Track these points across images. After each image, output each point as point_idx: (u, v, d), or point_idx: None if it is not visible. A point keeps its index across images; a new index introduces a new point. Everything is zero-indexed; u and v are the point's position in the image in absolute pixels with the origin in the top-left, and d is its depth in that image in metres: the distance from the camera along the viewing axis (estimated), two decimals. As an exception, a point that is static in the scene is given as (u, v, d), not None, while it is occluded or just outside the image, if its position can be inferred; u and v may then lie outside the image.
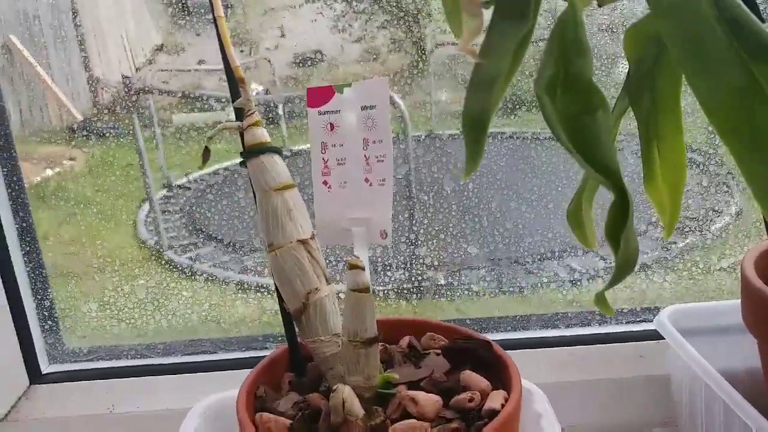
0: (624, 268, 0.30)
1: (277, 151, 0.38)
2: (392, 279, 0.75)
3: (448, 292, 0.73)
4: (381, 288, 0.73)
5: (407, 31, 1.10)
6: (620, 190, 0.29)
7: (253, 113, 0.38)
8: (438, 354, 0.40)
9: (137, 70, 1.31)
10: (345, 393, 0.34)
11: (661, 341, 0.47)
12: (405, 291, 0.74)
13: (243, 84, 0.38)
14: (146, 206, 1.17)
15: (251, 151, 0.37)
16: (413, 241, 0.78)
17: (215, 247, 1.13)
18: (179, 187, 1.25)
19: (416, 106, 1.06)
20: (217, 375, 0.50)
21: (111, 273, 0.84)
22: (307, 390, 0.38)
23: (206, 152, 0.37)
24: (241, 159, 0.38)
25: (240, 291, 0.85)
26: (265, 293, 0.74)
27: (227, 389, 0.41)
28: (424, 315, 0.67)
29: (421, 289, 0.74)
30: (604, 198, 0.32)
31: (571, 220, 0.38)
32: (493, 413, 0.34)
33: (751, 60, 0.26)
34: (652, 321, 0.49)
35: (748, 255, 0.45)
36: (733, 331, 0.47)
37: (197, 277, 0.96)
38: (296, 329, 0.38)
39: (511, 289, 0.72)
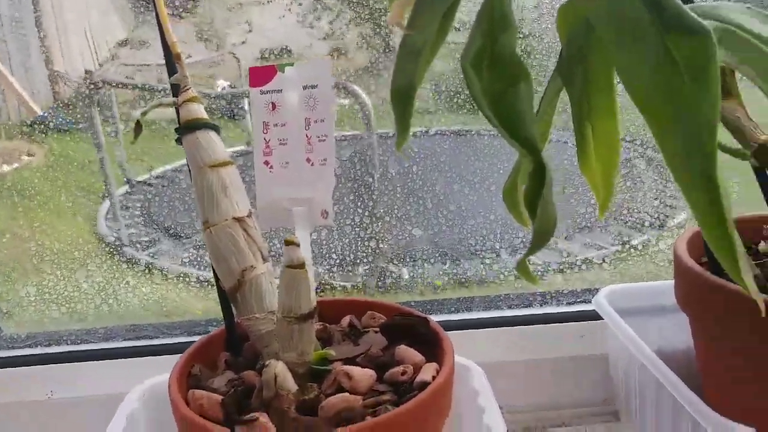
0: (541, 236, 0.30)
1: (214, 127, 0.38)
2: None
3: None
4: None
5: (374, 27, 1.10)
6: (537, 160, 0.29)
7: (188, 89, 0.37)
8: (377, 332, 0.40)
9: (100, 65, 1.29)
10: (277, 368, 0.34)
11: (600, 321, 0.48)
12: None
13: (179, 60, 0.37)
14: (107, 203, 1.15)
15: (186, 127, 0.37)
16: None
17: (174, 243, 1.12)
18: (141, 183, 1.23)
19: (382, 103, 1.07)
20: (158, 360, 0.50)
21: (64, 268, 0.82)
22: (243, 369, 0.38)
23: (138, 127, 0.36)
24: (177, 135, 0.37)
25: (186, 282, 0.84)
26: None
27: (167, 373, 0.41)
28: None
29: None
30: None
31: (507, 200, 0.38)
32: (424, 385, 0.34)
33: (665, 32, 0.26)
34: (590, 302, 0.50)
35: (681, 236, 0.47)
36: (669, 311, 0.48)
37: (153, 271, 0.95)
38: (233, 308, 0.38)
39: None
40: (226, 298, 0.38)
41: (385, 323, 0.39)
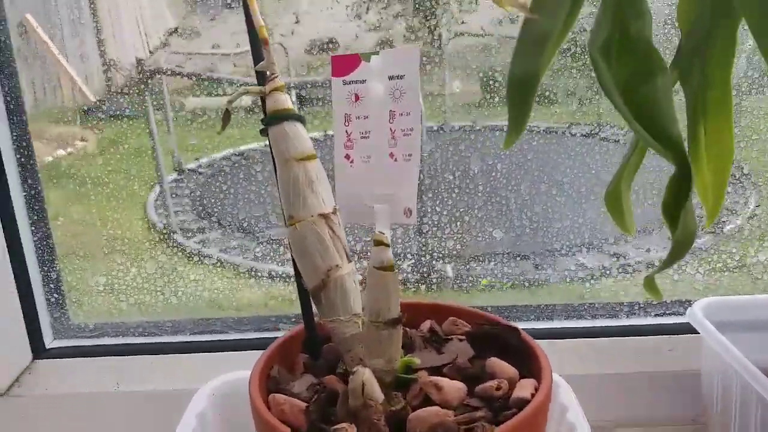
0: (682, 246, 0.27)
1: (301, 119, 0.36)
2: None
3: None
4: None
5: (422, 20, 1.07)
6: (682, 161, 0.26)
7: (276, 77, 0.35)
8: (461, 340, 0.37)
9: (151, 53, 1.29)
10: (365, 376, 0.32)
11: (690, 335, 0.44)
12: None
13: (266, 46, 0.35)
14: (157, 189, 1.15)
15: (274, 118, 0.35)
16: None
17: (223, 233, 1.11)
18: (191, 171, 1.23)
19: (430, 97, 1.04)
20: (227, 355, 0.48)
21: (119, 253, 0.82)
22: (322, 372, 0.36)
23: (226, 115, 0.34)
24: (262, 126, 0.35)
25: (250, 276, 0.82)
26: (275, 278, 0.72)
27: (236, 370, 0.39)
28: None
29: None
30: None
31: (609, 203, 0.35)
32: (522, 403, 0.32)
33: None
34: (681, 314, 0.46)
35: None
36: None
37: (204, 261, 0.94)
38: (314, 308, 0.36)
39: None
40: (306, 298, 0.36)
41: (472, 332, 0.37)
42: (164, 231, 1.07)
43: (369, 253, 0.34)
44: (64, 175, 1.00)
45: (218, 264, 0.97)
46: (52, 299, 0.56)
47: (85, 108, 1.13)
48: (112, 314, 0.58)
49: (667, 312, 0.51)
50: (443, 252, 0.72)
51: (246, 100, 1.21)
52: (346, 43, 1.17)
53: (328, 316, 0.34)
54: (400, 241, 0.77)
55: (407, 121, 0.39)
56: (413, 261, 0.75)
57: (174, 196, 1.19)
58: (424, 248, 0.77)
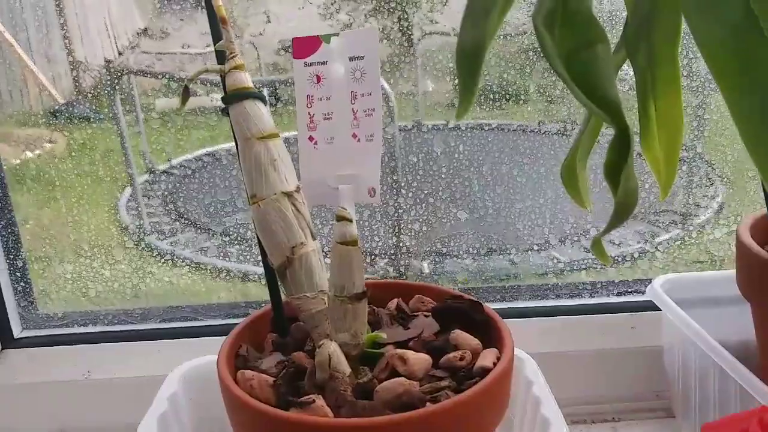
0: (623, 209, 0.28)
1: (261, 97, 0.36)
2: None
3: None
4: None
5: (395, 20, 1.08)
6: (621, 125, 0.27)
7: (235, 56, 0.35)
8: (427, 316, 0.37)
9: (120, 53, 1.27)
10: (331, 348, 0.32)
11: (653, 312, 0.45)
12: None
13: (225, 24, 0.35)
14: (128, 191, 1.13)
15: (233, 96, 0.35)
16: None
17: (196, 232, 1.10)
18: (162, 172, 1.21)
19: (403, 96, 1.05)
20: (197, 342, 0.48)
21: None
22: (290, 350, 0.36)
23: (185, 92, 0.34)
24: (222, 105, 0.35)
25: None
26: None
27: (207, 355, 0.39)
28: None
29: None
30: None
31: (565, 177, 0.36)
32: (485, 371, 0.32)
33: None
34: (643, 292, 0.47)
35: (743, 221, 0.44)
36: (725, 302, 0.46)
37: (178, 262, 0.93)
38: (280, 286, 0.36)
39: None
40: (272, 277, 0.36)
41: (437, 307, 0.37)
42: (136, 233, 1.06)
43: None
44: (32, 177, 0.98)
45: (192, 265, 0.96)
46: (19, 288, 0.55)
47: (53, 110, 1.11)
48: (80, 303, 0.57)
49: (629, 290, 0.53)
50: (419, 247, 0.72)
51: (217, 100, 1.20)
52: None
53: (294, 293, 0.34)
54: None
55: (369, 102, 0.39)
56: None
57: (146, 197, 1.17)
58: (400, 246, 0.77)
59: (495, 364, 0.33)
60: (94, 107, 1.08)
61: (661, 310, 0.46)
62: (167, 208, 1.18)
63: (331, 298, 0.33)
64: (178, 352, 0.41)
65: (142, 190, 1.15)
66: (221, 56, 0.35)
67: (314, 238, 0.36)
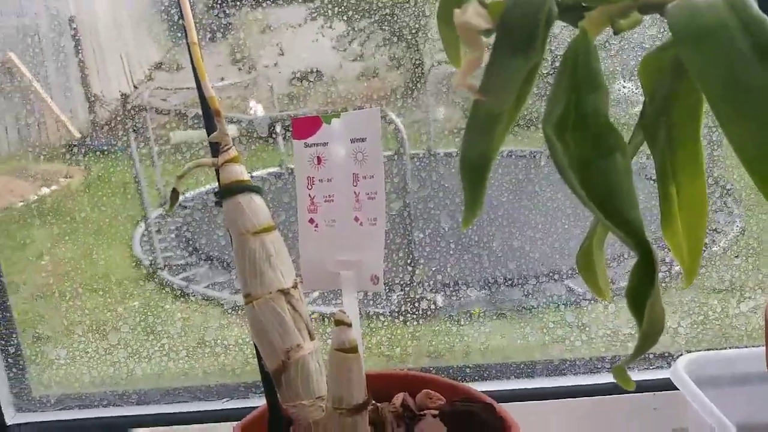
0: (649, 338, 0.25)
1: (257, 190, 0.34)
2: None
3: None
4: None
5: (406, 49, 1.07)
6: (644, 249, 0.24)
7: (229, 148, 0.33)
8: (435, 416, 0.35)
9: (135, 87, 1.28)
10: (328, 468, 0.29)
11: (676, 391, 0.42)
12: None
13: (219, 116, 0.33)
14: (142, 225, 1.13)
15: (227, 190, 0.33)
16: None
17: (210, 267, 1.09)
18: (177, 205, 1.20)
19: (414, 124, 1.03)
20: (197, 429, 0.45)
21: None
22: (288, 457, 0.33)
23: (174, 194, 0.32)
24: (216, 199, 0.33)
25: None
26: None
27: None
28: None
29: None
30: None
31: (581, 265, 0.33)
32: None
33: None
34: (667, 368, 0.44)
35: (772, 299, 0.41)
36: (754, 381, 0.42)
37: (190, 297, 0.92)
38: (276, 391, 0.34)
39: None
40: (268, 378, 0.34)
41: (445, 410, 0.34)
42: (151, 267, 1.05)
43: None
44: (49, 212, 0.99)
45: (204, 299, 0.94)
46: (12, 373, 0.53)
47: (70, 144, 1.11)
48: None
49: (652, 366, 0.49)
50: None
51: (232, 130, 1.19)
52: (330, 73, 1.17)
53: (289, 401, 0.32)
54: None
55: (371, 185, 0.37)
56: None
57: (159, 231, 1.17)
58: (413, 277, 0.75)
59: (505, 482, 0.30)
60: (110, 142, 1.08)
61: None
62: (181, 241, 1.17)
63: (329, 409, 0.31)
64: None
65: (156, 224, 1.15)
66: (215, 148, 0.33)
67: (312, 338, 0.33)
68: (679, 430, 0.45)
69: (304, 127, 0.37)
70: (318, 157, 0.37)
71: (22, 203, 1.11)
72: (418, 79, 1.04)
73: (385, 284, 0.72)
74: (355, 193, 0.37)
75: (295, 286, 0.34)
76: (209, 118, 0.33)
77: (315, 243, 0.38)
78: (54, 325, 0.75)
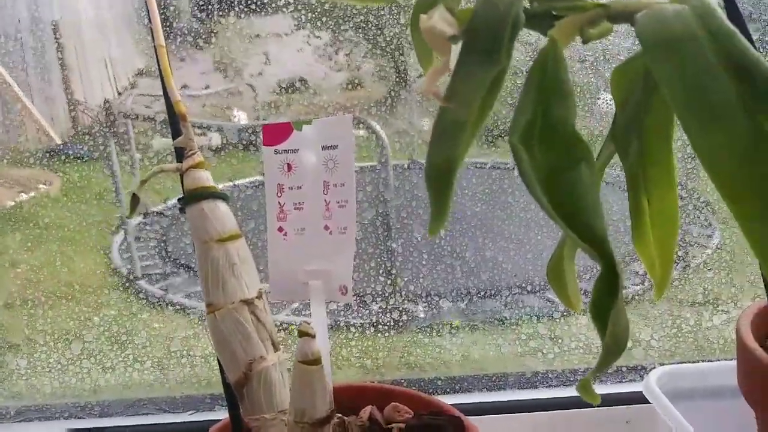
0: (612, 352, 0.24)
1: (222, 196, 0.33)
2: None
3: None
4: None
5: (390, 60, 1.07)
6: (608, 262, 0.23)
7: (194, 154, 0.32)
8: (401, 430, 0.34)
9: (119, 93, 1.26)
10: (288, 485, 0.28)
11: (649, 405, 0.42)
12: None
13: (185, 121, 0.32)
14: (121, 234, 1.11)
15: (191, 196, 0.32)
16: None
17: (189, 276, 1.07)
18: (156, 213, 1.19)
19: (399, 134, 1.03)
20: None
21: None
22: (249, 473, 0.32)
23: (134, 200, 0.31)
24: (180, 205, 0.32)
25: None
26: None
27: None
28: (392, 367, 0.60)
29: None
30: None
31: (551, 278, 0.33)
32: None
33: (761, 111, 0.21)
34: (639, 381, 0.44)
35: (744, 313, 0.40)
36: (726, 395, 0.42)
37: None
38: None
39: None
40: (231, 391, 0.33)
41: (412, 425, 0.33)
42: (128, 277, 1.03)
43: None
44: (24, 219, 0.96)
45: (180, 310, 0.92)
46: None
47: (50, 150, 1.09)
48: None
49: (625, 379, 0.49)
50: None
51: (215, 139, 1.18)
52: (315, 82, 1.16)
53: (251, 414, 0.31)
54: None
55: (342, 193, 0.36)
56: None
57: (138, 240, 1.14)
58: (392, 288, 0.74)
59: (472, 499, 0.29)
60: (90, 149, 1.06)
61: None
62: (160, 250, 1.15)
63: (290, 423, 0.30)
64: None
65: (135, 232, 1.13)
66: (180, 153, 0.32)
67: (277, 350, 0.32)
68: (652, 445, 0.44)
69: (275, 133, 0.37)
70: (288, 164, 0.36)
71: (-2, 209, 1.08)
72: (401, 89, 1.04)
73: (358, 295, 0.71)
74: (325, 201, 0.36)
75: (259, 296, 0.32)
76: (175, 122, 0.32)
77: (284, 252, 0.37)
78: (20, 334, 0.73)
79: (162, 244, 1.18)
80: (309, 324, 0.30)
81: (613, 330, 0.24)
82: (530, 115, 0.25)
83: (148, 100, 1.25)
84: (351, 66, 1.14)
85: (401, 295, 0.75)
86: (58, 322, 0.76)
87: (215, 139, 1.12)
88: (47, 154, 1.08)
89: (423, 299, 0.73)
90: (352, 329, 0.62)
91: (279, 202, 0.37)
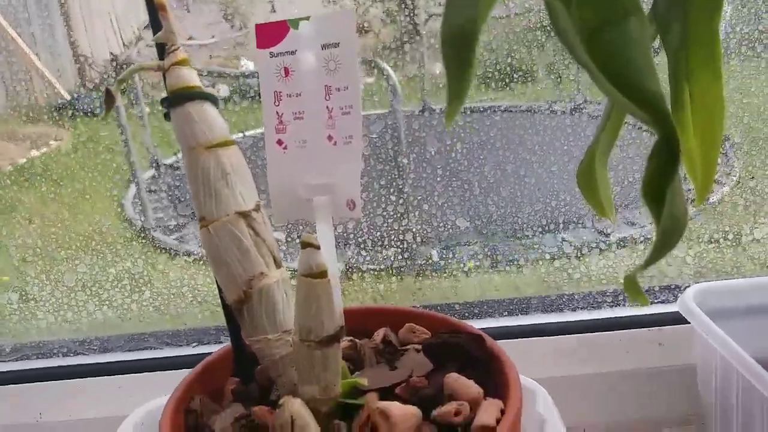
0: (670, 235, 0.20)
1: (210, 98, 0.28)
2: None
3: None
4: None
5: (399, 3, 1.00)
6: (665, 126, 0.19)
7: (176, 49, 0.28)
8: (418, 350, 0.30)
9: (126, 46, 1.21)
10: (294, 408, 0.25)
11: (684, 325, 0.38)
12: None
13: (164, 12, 0.28)
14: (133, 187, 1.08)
15: (176, 97, 0.28)
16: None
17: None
18: (168, 166, 1.16)
19: (409, 79, 0.97)
20: (161, 376, 0.41)
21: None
22: (254, 399, 0.29)
23: (108, 96, 0.27)
24: (163, 107, 0.28)
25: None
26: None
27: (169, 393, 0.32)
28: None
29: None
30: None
31: (582, 182, 0.28)
32: (486, 430, 0.25)
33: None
34: (672, 302, 0.39)
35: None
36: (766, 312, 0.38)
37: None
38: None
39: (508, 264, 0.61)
40: (230, 312, 0.29)
41: (429, 342, 0.30)
42: (142, 229, 1.01)
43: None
44: (38, 175, 0.95)
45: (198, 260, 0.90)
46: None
47: (59, 105, 1.06)
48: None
49: (656, 300, 0.44)
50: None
51: (224, 91, 1.13)
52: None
53: (252, 335, 0.27)
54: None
55: (345, 98, 0.32)
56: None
57: (150, 192, 1.12)
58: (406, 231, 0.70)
59: (499, 421, 0.25)
60: (99, 103, 1.03)
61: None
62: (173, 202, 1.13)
63: (296, 342, 0.26)
64: (140, 389, 0.34)
65: (147, 185, 1.10)
66: (162, 49, 0.28)
67: (278, 266, 0.28)
68: (687, 368, 0.40)
69: (269, 33, 0.32)
70: (285, 69, 0.32)
71: (11, 166, 1.06)
72: (412, 33, 0.97)
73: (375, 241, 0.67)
74: (327, 108, 0.31)
75: (257, 209, 0.28)
76: (154, 14, 0.27)
77: (284, 167, 0.32)
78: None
79: (175, 195, 1.15)
80: (312, 234, 0.26)
81: (670, 211, 0.20)
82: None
83: (153, 52, 1.19)
84: (358, 11, 1.08)
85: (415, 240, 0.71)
86: (78, 272, 0.74)
87: (223, 90, 1.08)
88: (56, 110, 1.05)
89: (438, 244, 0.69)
90: (363, 252, 0.58)
91: (277, 112, 0.33)
